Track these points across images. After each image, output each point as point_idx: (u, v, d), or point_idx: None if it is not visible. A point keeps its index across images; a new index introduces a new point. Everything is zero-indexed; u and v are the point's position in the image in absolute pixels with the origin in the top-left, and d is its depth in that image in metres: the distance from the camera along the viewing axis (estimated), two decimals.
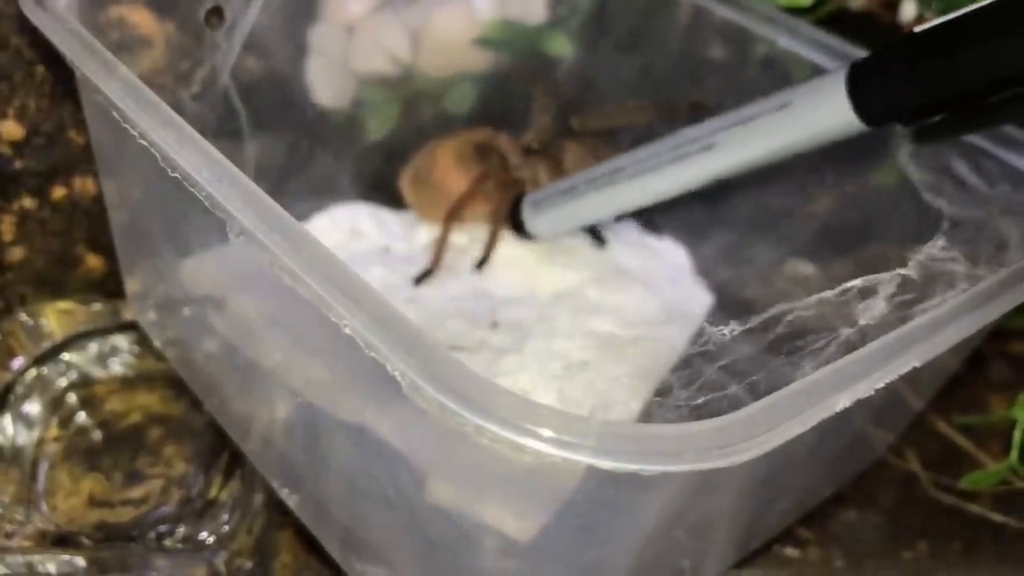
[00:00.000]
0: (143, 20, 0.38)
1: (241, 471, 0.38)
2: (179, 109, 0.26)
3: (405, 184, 0.46)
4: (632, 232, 0.46)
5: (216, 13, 0.37)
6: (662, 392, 0.36)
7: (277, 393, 0.33)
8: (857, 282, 0.25)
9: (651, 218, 0.47)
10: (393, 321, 0.20)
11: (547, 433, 0.19)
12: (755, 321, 0.25)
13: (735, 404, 0.21)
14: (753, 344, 0.25)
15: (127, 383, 0.42)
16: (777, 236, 0.42)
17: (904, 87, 0.28)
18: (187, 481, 0.38)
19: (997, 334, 0.43)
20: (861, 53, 0.39)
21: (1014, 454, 0.40)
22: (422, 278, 0.42)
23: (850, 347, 0.23)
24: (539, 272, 0.43)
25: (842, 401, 0.21)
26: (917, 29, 0.27)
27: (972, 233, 0.30)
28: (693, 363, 0.27)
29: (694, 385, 0.26)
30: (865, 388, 0.22)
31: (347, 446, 0.31)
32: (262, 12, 0.39)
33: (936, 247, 0.27)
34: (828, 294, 0.24)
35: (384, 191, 0.47)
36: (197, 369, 0.38)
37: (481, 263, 0.43)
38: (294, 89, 0.44)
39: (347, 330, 0.21)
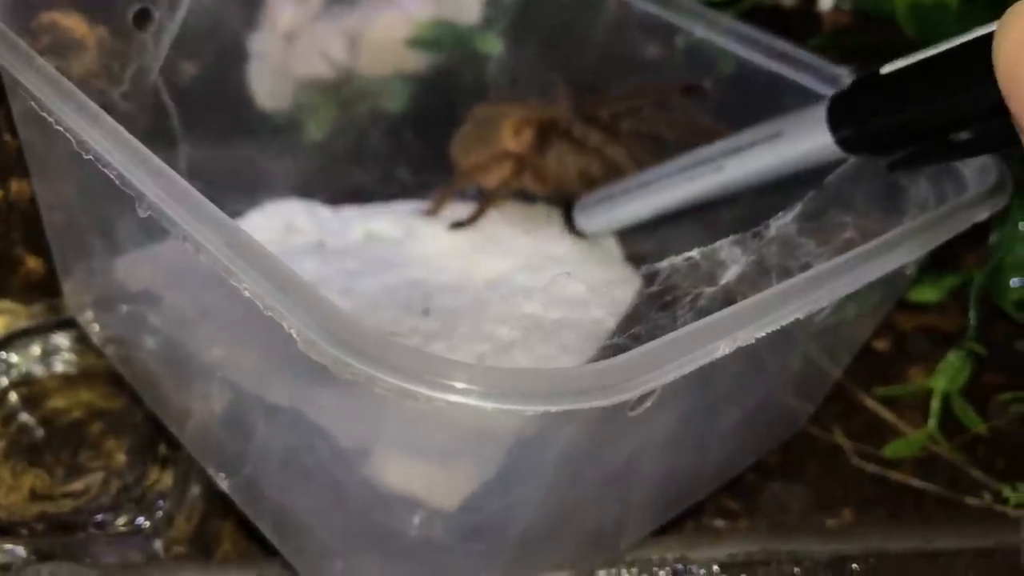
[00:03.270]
0: (75, 24, 0.39)
1: (177, 462, 0.39)
2: (109, 107, 0.27)
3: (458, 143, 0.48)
4: (562, 219, 0.48)
5: (144, 15, 0.38)
6: None
7: (212, 383, 0.34)
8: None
9: None
10: (288, 281, 0.21)
11: (436, 379, 0.20)
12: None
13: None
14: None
15: (68, 380, 0.42)
16: (700, 222, 0.44)
17: (872, 122, 0.31)
18: (126, 472, 0.39)
19: (914, 308, 0.45)
20: (779, 43, 0.41)
21: (932, 422, 0.41)
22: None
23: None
24: (474, 260, 0.45)
25: (722, 347, 0.23)
26: (883, 71, 0.30)
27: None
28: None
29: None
30: (746, 336, 0.23)
31: (279, 429, 0.32)
32: (195, 15, 0.40)
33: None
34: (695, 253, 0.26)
35: (323, 189, 0.48)
36: (135, 364, 0.38)
37: (457, 225, 0.45)
38: (232, 91, 0.45)
39: (246, 293, 0.22)
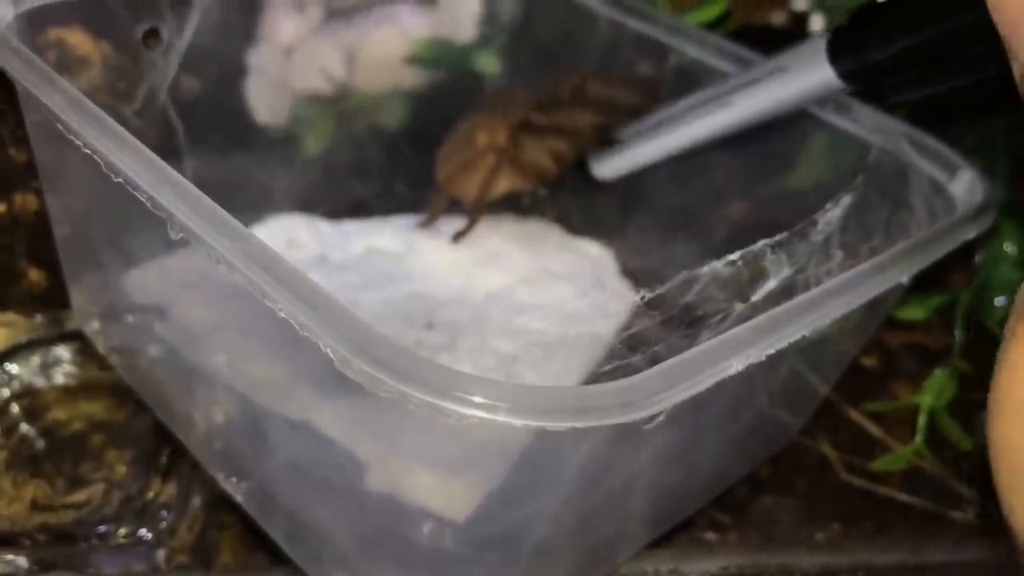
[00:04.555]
0: (81, 41, 0.39)
1: (179, 473, 0.39)
2: (123, 124, 0.28)
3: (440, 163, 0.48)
4: (559, 236, 0.49)
5: (153, 34, 0.38)
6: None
7: (224, 393, 0.35)
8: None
9: (572, 223, 0.49)
10: (324, 301, 0.22)
11: (466, 396, 0.21)
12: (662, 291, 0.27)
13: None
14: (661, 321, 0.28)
15: (69, 392, 0.42)
16: (692, 238, 0.45)
17: (871, 52, 0.32)
18: (128, 483, 0.39)
19: (901, 326, 0.46)
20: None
21: (919, 438, 0.43)
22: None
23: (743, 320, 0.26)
24: (473, 274, 0.45)
25: (735, 365, 0.24)
26: None
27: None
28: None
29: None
30: (756, 354, 0.24)
31: (292, 439, 0.32)
32: (200, 33, 0.41)
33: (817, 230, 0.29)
34: (718, 265, 0.27)
35: (322, 203, 0.49)
36: (143, 374, 0.39)
37: (458, 236, 0.46)
38: (233, 107, 0.46)
39: (282, 314, 0.22)
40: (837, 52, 0.34)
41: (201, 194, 0.25)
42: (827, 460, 0.43)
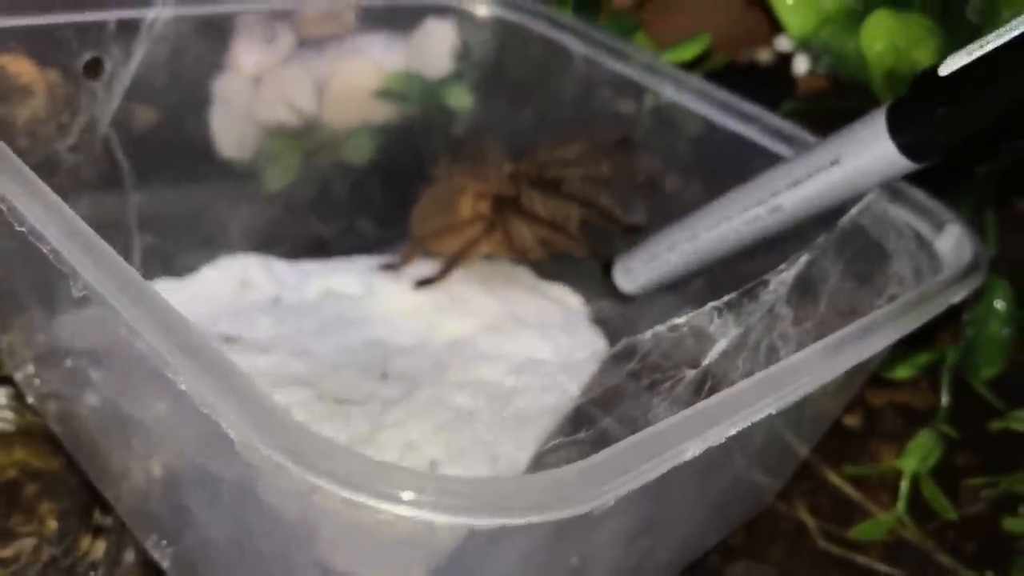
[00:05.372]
0: (24, 69, 0.37)
1: (110, 530, 0.37)
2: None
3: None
4: (528, 279, 0.47)
5: (95, 64, 0.36)
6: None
7: (152, 447, 0.32)
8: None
9: (542, 266, 0.47)
10: (225, 374, 0.20)
11: (383, 489, 0.19)
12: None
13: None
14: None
15: (4, 438, 0.40)
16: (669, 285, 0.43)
17: (940, 123, 0.29)
18: (57, 539, 0.37)
19: (885, 384, 0.44)
20: (748, 106, 0.40)
21: (901, 505, 0.40)
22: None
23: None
24: (435, 320, 0.43)
25: (691, 450, 0.21)
26: (943, 72, 0.29)
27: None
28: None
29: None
30: (716, 435, 0.22)
31: (226, 502, 0.30)
32: (153, 62, 0.39)
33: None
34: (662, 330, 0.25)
35: (281, 241, 0.47)
36: (72, 425, 0.37)
37: (422, 283, 0.44)
38: (191, 138, 0.44)
39: (182, 386, 0.20)
40: (899, 129, 0.31)
41: (106, 247, 0.22)
42: (804, 526, 0.40)
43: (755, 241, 0.37)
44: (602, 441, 0.24)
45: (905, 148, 0.30)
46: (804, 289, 0.30)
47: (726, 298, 0.27)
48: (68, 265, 0.23)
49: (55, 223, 0.23)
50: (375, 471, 0.19)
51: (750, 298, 0.27)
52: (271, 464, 0.19)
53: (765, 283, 0.28)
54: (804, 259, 0.29)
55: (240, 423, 0.19)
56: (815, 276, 0.30)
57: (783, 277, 0.28)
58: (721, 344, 0.26)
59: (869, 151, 0.31)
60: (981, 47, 0.28)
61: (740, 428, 0.23)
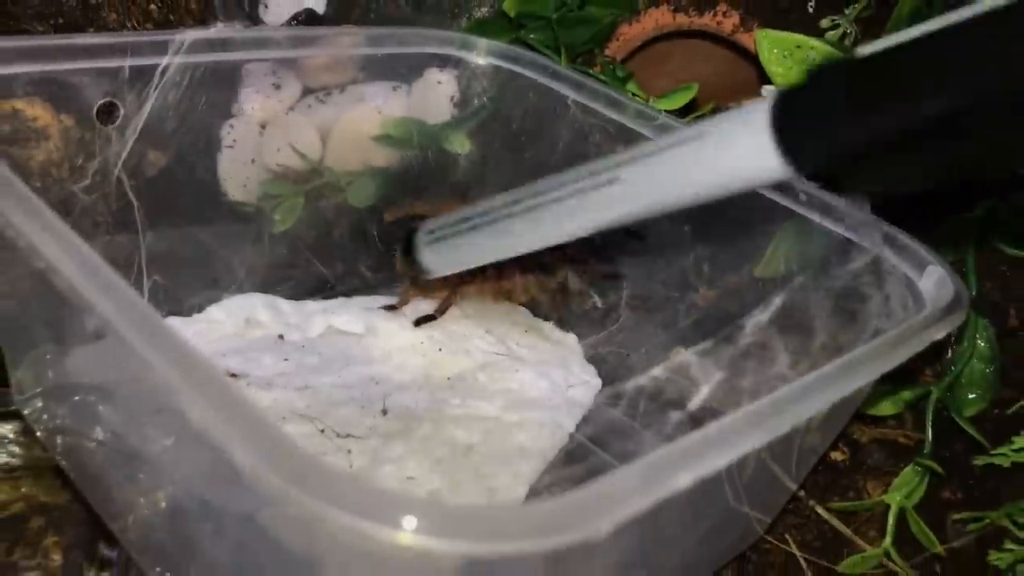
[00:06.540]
0: (39, 113, 0.39)
1: (114, 564, 0.38)
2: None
3: None
4: (525, 319, 0.48)
5: (109, 109, 0.38)
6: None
7: (158, 481, 0.33)
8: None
9: (539, 306, 0.48)
10: (234, 406, 0.21)
11: (387, 517, 0.19)
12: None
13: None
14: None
15: (12, 472, 0.41)
16: (660, 325, 0.44)
17: (842, 124, 0.22)
18: (63, 573, 0.37)
19: (872, 420, 0.45)
20: None
21: (888, 540, 0.41)
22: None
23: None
24: (434, 358, 0.44)
25: (682, 480, 0.22)
26: (862, 52, 0.22)
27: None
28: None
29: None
30: (707, 467, 0.23)
31: (232, 535, 0.31)
32: (165, 108, 0.40)
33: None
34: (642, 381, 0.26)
35: (285, 281, 0.48)
36: (79, 458, 0.37)
37: (421, 321, 0.45)
38: (200, 182, 0.45)
39: (194, 421, 0.21)
40: (784, 125, 0.24)
41: (121, 282, 0.24)
42: (793, 559, 0.41)
43: (588, 225, 0.30)
44: (597, 476, 0.25)
45: (784, 143, 0.24)
46: (786, 328, 0.30)
47: (702, 345, 0.27)
48: (85, 300, 0.24)
49: (74, 259, 0.24)
50: (379, 498, 0.20)
51: (727, 342, 0.28)
52: (278, 493, 0.20)
53: (740, 326, 0.28)
54: (778, 300, 0.30)
55: (249, 453, 0.20)
56: (798, 315, 0.31)
57: (758, 320, 0.29)
58: (704, 389, 0.27)
59: (740, 139, 0.25)
60: (910, 32, 0.21)
61: (730, 460, 0.24)
